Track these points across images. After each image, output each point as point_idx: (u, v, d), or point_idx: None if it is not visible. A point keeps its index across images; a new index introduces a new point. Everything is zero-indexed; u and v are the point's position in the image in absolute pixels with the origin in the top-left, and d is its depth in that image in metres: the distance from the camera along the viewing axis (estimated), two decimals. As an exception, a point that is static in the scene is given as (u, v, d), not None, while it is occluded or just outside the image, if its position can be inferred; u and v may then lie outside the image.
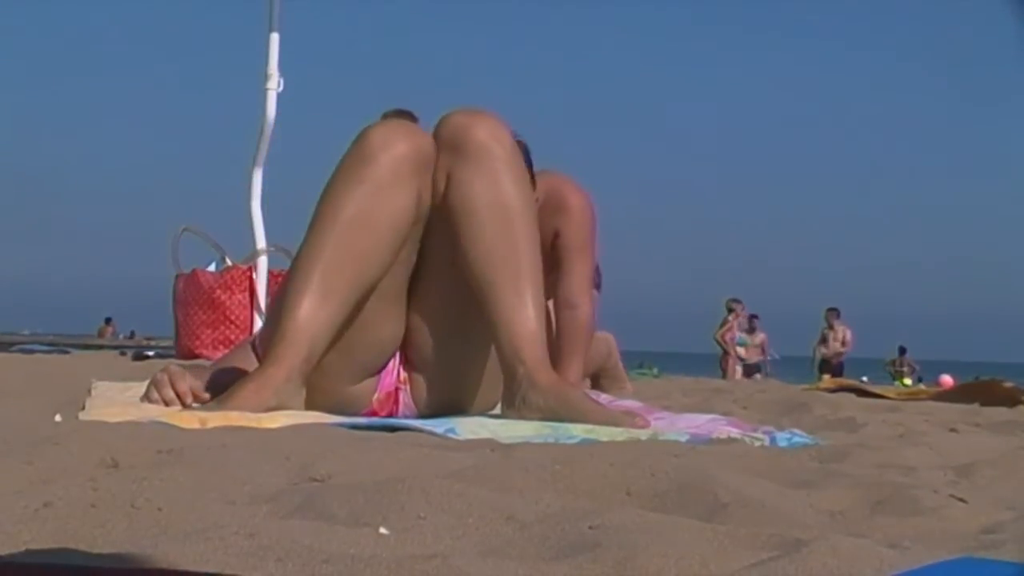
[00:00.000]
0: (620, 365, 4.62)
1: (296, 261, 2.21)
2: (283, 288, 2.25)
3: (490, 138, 2.22)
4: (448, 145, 2.23)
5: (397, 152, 2.18)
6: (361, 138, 2.21)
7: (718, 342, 16.24)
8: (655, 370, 15.36)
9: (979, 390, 4.45)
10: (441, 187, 2.23)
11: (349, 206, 2.16)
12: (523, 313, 2.17)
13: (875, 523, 1.23)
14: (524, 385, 2.12)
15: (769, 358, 16.34)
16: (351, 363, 2.25)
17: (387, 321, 2.26)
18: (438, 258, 2.29)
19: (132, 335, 21.48)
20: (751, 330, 16.41)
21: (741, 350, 16.23)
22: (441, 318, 2.29)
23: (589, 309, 3.63)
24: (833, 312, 16.46)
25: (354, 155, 2.19)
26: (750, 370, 15.81)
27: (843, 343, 16.10)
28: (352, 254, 2.15)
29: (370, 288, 2.18)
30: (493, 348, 2.24)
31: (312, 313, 2.12)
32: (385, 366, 2.30)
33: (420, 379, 2.32)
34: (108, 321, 24.04)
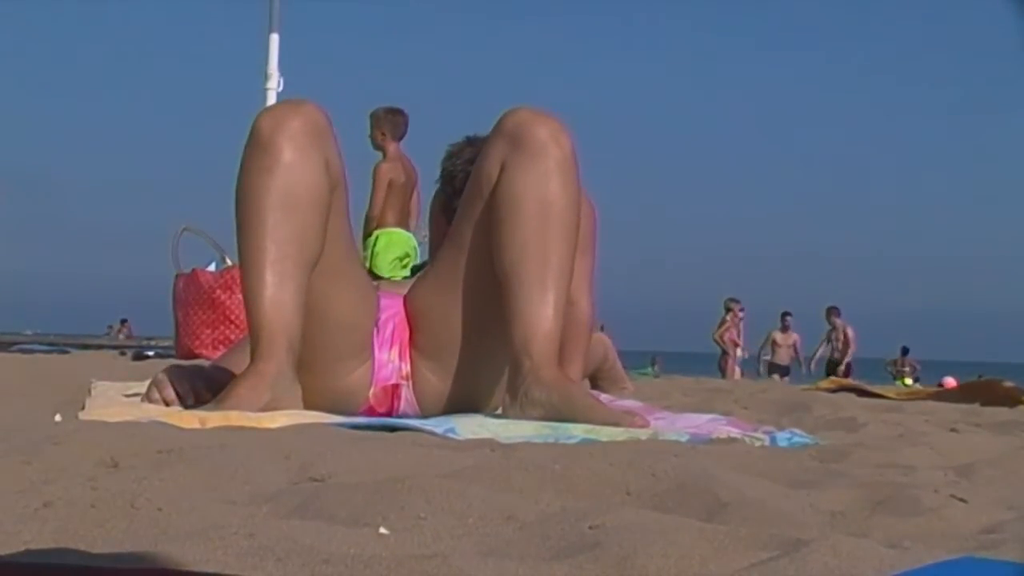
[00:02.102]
0: (618, 365, 4.61)
1: (242, 264, 2.21)
2: (244, 292, 2.25)
3: (550, 138, 2.24)
4: (509, 137, 2.25)
5: (292, 130, 2.18)
6: (255, 128, 2.21)
7: (716, 342, 16.19)
8: (655, 368, 15.33)
9: (980, 390, 4.44)
10: (493, 176, 2.25)
11: (267, 196, 2.16)
12: (543, 311, 2.18)
13: (875, 523, 1.23)
14: (528, 379, 2.12)
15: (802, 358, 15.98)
16: (326, 353, 2.25)
17: (343, 299, 2.28)
18: (467, 247, 2.29)
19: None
20: (784, 328, 16.07)
21: (740, 351, 16.17)
22: (461, 310, 2.29)
23: (589, 308, 3.63)
24: (833, 310, 16.29)
25: (253, 146, 2.20)
26: (782, 371, 15.39)
27: (844, 342, 15.83)
28: (287, 239, 2.15)
29: (313, 268, 2.18)
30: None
31: (276, 303, 2.13)
32: (376, 357, 2.30)
33: (428, 374, 2.32)
34: (124, 322, 23.99)
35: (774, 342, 16.13)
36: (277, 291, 2.13)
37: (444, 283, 2.33)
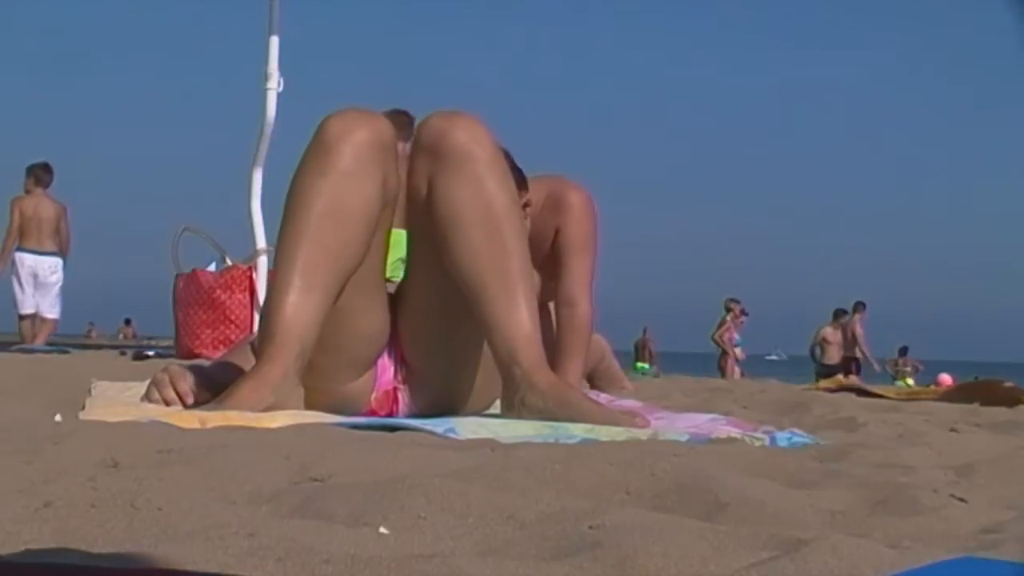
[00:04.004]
0: (615, 364, 4.62)
1: (276, 260, 2.21)
2: (268, 288, 2.24)
3: (470, 140, 2.19)
4: (428, 150, 2.21)
5: (357, 140, 2.16)
6: (320, 129, 2.19)
7: (715, 342, 16.17)
8: (654, 368, 15.28)
9: (979, 390, 4.44)
10: (423, 192, 2.21)
11: (318, 200, 2.15)
12: (516, 315, 2.16)
13: (875, 523, 1.23)
14: (522, 387, 2.12)
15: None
16: (340, 359, 2.25)
17: (369, 312, 2.26)
18: (427, 260, 2.28)
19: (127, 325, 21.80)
20: (836, 326, 15.38)
21: (738, 350, 16.14)
22: (433, 318, 2.29)
23: (589, 307, 3.62)
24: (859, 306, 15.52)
25: (316, 147, 2.18)
26: (831, 372, 14.88)
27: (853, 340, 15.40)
28: (327, 247, 2.14)
29: (348, 279, 2.17)
30: (487, 346, 2.24)
31: (298, 309, 2.11)
32: (378, 362, 2.30)
33: (416, 378, 2.32)
34: (128, 322, 24.03)
35: (824, 339, 15.42)
36: (302, 297, 2.12)
37: (411, 299, 2.32)
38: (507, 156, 3.25)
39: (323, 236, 2.14)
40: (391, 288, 2.49)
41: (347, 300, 2.18)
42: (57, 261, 9.10)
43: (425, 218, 2.22)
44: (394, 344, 2.33)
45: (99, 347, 9.87)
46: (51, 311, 9.10)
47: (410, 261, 2.37)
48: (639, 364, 18.02)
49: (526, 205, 3.44)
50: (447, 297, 2.24)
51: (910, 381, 15.91)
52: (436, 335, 2.29)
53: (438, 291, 2.26)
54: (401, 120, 8.07)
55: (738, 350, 16.11)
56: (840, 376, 8.98)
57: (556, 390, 2.13)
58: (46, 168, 9.11)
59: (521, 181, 3.35)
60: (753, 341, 16.85)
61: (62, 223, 9.09)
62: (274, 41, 6.46)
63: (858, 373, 13.79)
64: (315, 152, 2.17)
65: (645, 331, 20.27)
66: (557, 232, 3.60)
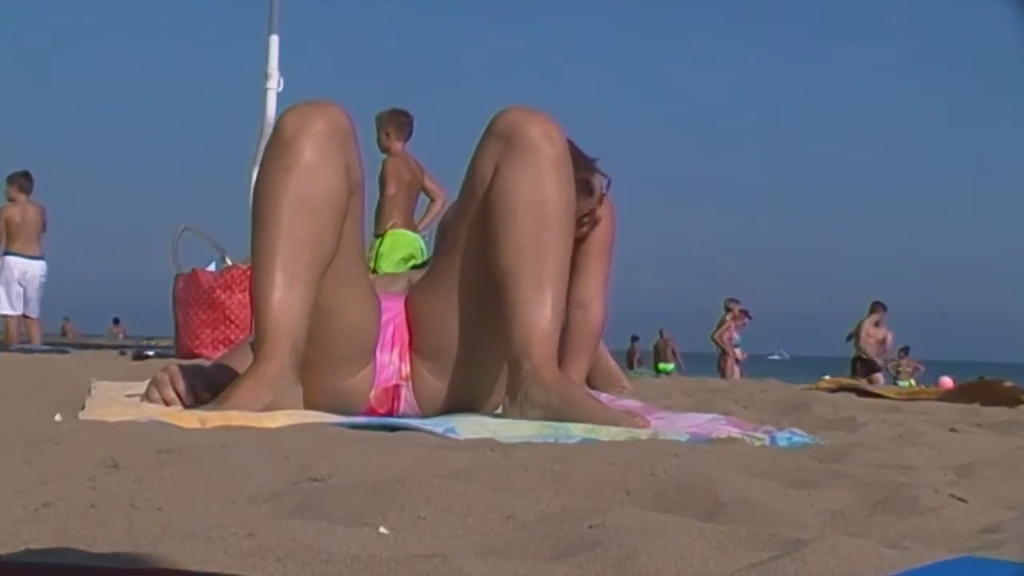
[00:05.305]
0: (612, 364, 4.63)
1: (254, 261, 2.22)
2: (253, 290, 2.24)
3: (543, 137, 2.24)
4: (501, 138, 2.25)
5: (314, 132, 2.17)
6: (278, 126, 2.21)
7: (716, 342, 16.17)
8: (671, 366, 15.22)
9: (979, 390, 4.43)
10: (487, 178, 2.25)
11: (285, 196, 2.16)
12: (540, 311, 2.18)
13: (875, 523, 1.23)
14: (528, 381, 2.12)
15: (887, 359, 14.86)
16: (331, 354, 2.25)
17: (352, 303, 2.27)
18: (463, 249, 2.30)
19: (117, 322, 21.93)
20: (876, 323, 14.88)
21: (738, 351, 16.14)
22: (458, 312, 2.30)
23: (601, 311, 3.64)
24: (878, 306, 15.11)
25: (275, 144, 2.20)
26: (871, 369, 14.29)
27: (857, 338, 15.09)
28: (302, 240, 2.15)
29: (325, 271, 2.18)
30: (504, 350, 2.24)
31: (284, 305, 2.12)
32: (377, 357, 2.30)
33: (427, 375, 2.32)
34: (116, 322, 24.09)
35: (865, 334, 14.84)
36: (286, 292, 2.13)
37: (441, 285, 2.33)
38: (584, 159, 3.20)
39: (295, 231, 2.15)
40: (395, 287, 2.49)
41: (329, 293, 2.19)
42: (44, 264, 9.73)
43: (482, 202, 2.25)
44: (396, 341, 2.33)
45: (99, 347, 9.93)
46: (35, 311, 9.70)
47: (444, 249, 2.37)
48: (661, 365, 18.00)
49: (589, 213, 3.36)
50: (477, 291, 2.26)
51: (913, 382, 15.81)
52: (460, 328, 2.30)
53: (469, 283, 2.28)
54: (401, 120, 8.11)
55: (738, 350, 16.11)
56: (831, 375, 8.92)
57: (560, 386, 2.13)
58: (27, 176, 9.74)
59: (585, 189, 3.20)
60: (756, 341, 16.84)
61: (45, 222, 9.72)
62: (274, 40, 6.47)
63: (865, 374, 13.64)
64: (276, 149, 2.19)
65: (662, 332, 20.23)
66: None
